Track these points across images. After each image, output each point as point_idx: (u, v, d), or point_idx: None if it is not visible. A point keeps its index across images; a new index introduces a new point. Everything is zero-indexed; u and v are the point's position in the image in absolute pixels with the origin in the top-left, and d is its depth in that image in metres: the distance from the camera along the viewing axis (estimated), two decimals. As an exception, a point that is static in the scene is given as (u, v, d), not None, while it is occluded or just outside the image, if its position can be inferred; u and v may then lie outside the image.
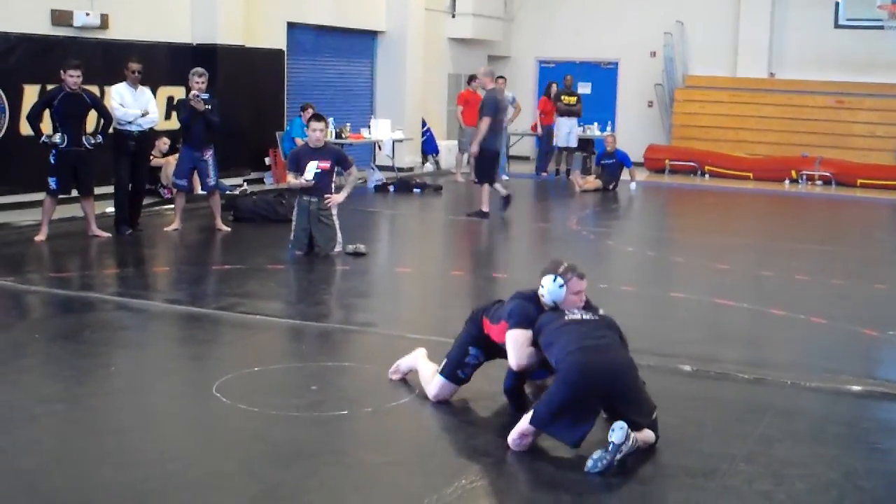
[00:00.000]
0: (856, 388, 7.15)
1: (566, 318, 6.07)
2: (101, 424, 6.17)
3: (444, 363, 6.64)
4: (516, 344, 6.19)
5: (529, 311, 6.25)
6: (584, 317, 6.11)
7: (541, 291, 6.29)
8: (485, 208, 15.43)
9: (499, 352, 6.48)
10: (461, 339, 6.68)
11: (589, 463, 5.47)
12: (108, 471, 5.35)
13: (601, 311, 6.32)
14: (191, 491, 5.14)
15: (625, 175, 20.11)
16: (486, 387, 6.66)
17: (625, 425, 5.50)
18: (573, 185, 19.91)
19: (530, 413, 5.71)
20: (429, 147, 22.49)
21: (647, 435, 5.75)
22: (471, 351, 6.57)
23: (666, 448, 5.88)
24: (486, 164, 15.49)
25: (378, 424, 6.39)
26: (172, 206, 13.89)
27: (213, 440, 5.96)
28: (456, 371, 6.58)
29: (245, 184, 17.37)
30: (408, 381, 6.96)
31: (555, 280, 6.22)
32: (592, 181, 19.72)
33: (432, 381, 6.66)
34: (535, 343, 6.16)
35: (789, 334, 9.01)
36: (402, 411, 6.53)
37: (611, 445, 5.46)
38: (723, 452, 5.80)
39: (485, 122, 15.23)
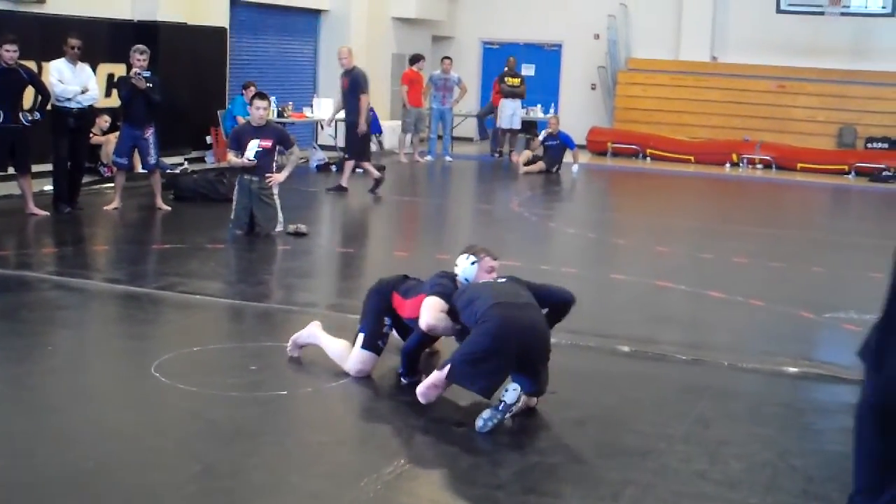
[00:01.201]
0: (792, 369, 7.25)
1: (480, 282, 6.38)
2: (39, 404, 6.11)
3: (362, 336, 6.71)
4: (431, 307, 6.36)
5: (448, 286, 6.51)
6: (499, 280, 6.38)
7: (456, 270, 6.62)
8: (344, 183, 15.79)
9: (404, 329, 6.72)
10: (372, 308, 6.79)
11: (479, 423, 5.71)
12: (45, 450, 5.30)
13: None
14: (129, 470, 5.11)
15: (567, 157, 20.16)
16: (429, 366, 6.67)
17: (518, 387, 5.76)
18: (516, 168, 19.94)
19: (446, 367, 5.88)
20: (372, 127, 22.37)
21: (530, 399, 6.03)
22: (386, 321, 6.75)
23: (604, 427, 5.94)
24: (359, 142, 15.93)
25: (317, 404, 6.39)
26: (112, 184, 13.74)
27: (151, 419, 5.92)
28: (377, 342, 6.70)
29: (186, 162, 17.22)
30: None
31: (467, 258, 6.60)
32: (536, 163, 19.76)
33: (351, 355, 6.71)
34: (450, 314, 6.33)
35: (727, 316, 9.10)
36: (341, 391, 6.52)
37: (501, 405, 5.72)
38: (660, 432, 5.86)
39: (364, 101, 15.71)
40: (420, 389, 6.03)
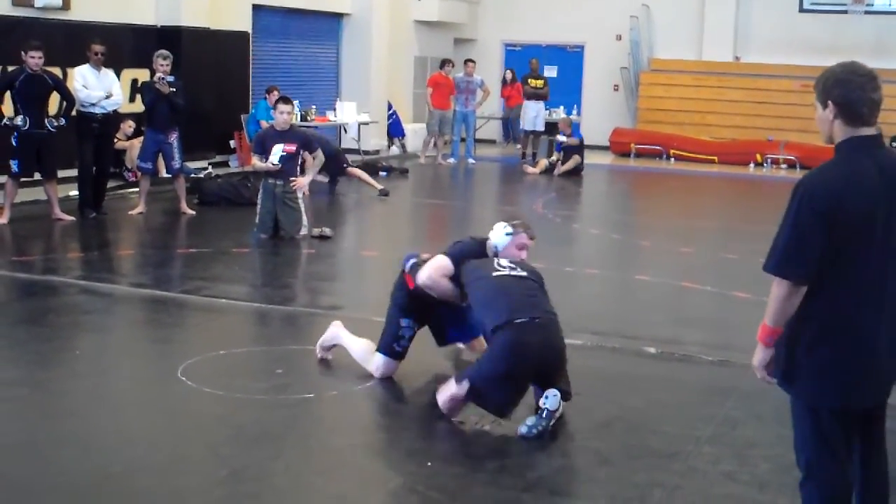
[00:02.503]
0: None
1: (495, 271, 6.19)
2: (65, 408, 6.13)
3: (380, 341, 6.73)
4: (435, 267, 6.42)
5: (469, 247, 6.57)
6: (513, 272, 6.19)
7: (490, 234, 6.58)
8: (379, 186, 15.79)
9: (429, 313, 6.66)
10: (390, 313, 6.78)
11: (523, 429, 5.66)
12: (71, 454, 5.33)
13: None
14: (155, 474, 5.13)
15: (591, 159, 20.09)
16: (452, 371, 6.68)
17: (558, 393, 5.72)
18: (524, 171, 19.81)
19: (464, 382, 5.79)
20: (395, 130, 22.44)
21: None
22: (402, 323, 6.67)
23: (630, 429, 5.92)
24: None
25: (343, 407, 6.40)
26: (137, 189, 13.80)
27: (177, 424, 5.94)
28: (392, 345, 6.68)
29: (210, 167, 17.25)
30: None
31: (504, 227, 6.54)
32: (539, 163, 19.79)
33: (372, 358, 6.73)
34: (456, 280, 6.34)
35: (753, 317, 8.93)
36: (367, 394, 6.52)
37: (545, 412, 5.69)
38: (687, 434, 5.83)
39: None
40: (443, 404, 5.94)
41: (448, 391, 5.91)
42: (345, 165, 15.81)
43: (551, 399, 5.70)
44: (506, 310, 5.91)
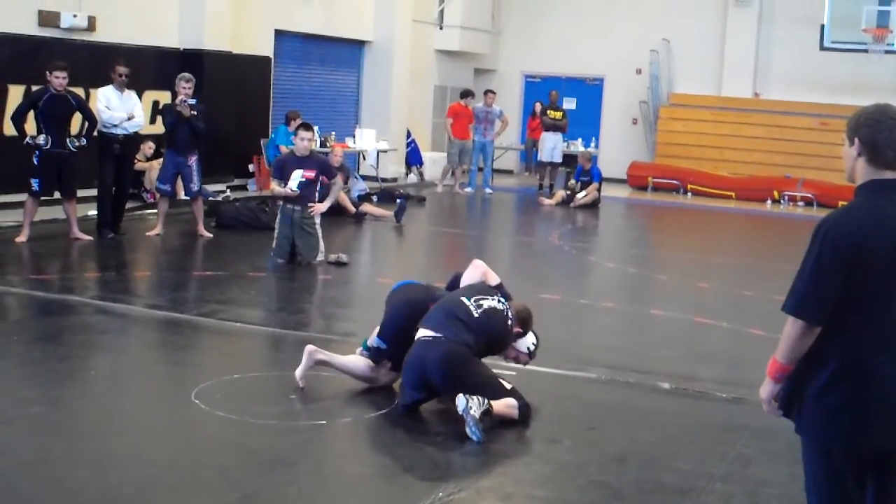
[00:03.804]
0: (833, 409, 7.16)
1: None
2: (79, 428, 6.15)
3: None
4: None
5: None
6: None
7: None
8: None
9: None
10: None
11: (473, 437, 6.08)
12: (84, 474, 5.34)
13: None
14: (167, 497, 5.13)
15: (608, 191, 20.11)
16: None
17: (460, 395, 6.19)
18: (540, 203, 19.84)
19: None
20: (413, 158, 22.51)
21: (507, 401, 6.40)
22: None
23: (643, 465, 5.90)
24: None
25: (356, 435, 6.40)
26: (155, 210, 13.85)
27: (190, 447, 5.95)
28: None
29: (228, 190, 17.33)
30: (391, 389, 6.95)
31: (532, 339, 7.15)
32: (556, 195, 19.84)
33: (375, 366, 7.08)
34: None
35: (768, 354, 8.95)
36: (381, 422, 6.53)
37: (464, 415, 6.12)
38: (700, 471, 5.82)
39: None
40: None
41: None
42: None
43: (459, 403, 6.15)
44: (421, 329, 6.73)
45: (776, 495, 5.51)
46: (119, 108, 12.75)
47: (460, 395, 6.18)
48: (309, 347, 7.09)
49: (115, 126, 12.69)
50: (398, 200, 16.45)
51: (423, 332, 6.61)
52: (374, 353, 7.03)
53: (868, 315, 3.72)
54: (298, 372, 6.97)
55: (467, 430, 6.08)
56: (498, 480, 5.59)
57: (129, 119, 12.82)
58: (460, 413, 6.13)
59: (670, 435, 6.50)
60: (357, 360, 7.10)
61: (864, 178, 3.82)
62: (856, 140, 3.82)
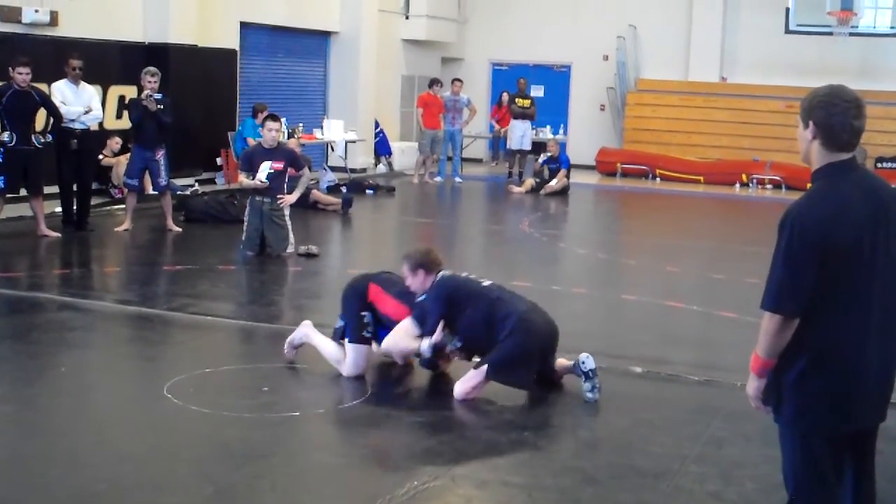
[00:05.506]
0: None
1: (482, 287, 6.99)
2: (51, 425, 6.12)
3: (347, 335, 7.03)
4: (399, 334, 6.85)
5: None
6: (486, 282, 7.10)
7: None
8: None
9: (380, 322, 7.04)
10: (350, 311, 7.09)
11: (589, 395, 6.63)
12: (57, 472, 5.31)
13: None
14: (142, 492, 5.11)
15: (574, 177, 20.14)
16: (441, 386, 6.68)
17: (586, 354, 6.68)
18: (509, 192, 19.83)
19: (483, 368, 6.56)
20: (382, 148, 22.47)
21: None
22: (365, 316, 7.03)
23: (617, 449, 5.93)
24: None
25: (330, 425, 6.40)
26: (123, 206, 13.75)
27: (164, 441, 5.92)
28: (362, 334, 6.99)
29: (196, 184, 17.24)
30: (366, 379, 6.95)
31: None
32: (525, 183, 19.87)
33: (346, 355, 7.00)
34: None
35: (739, 337, 9.04)
36: (354, 412, 6.52)
37: (591, 372, 6.65)
38: (674, 453, 5.84)
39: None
40: (462, 390, 6.58)
41: (469, 382, 6.58)
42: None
43: (588, 361, 6.66)
44: (519, 304, 6.82)
45: (750, 476, 5.54)
46: (74, 102, 12.65)
47: (587, 354, 6.69)
48: (306, 322, 7.50)
49: (73, 121, 12.58)
50: (343, 190, 16.63)
51: (511, 307, 6.75)
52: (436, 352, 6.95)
53: (842, 302, 3.73)
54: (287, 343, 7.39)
55: (589, 393, 6.63)
56: (473, 468, 5.59)
57: (87, 112, 12.73)
58: (586, 371, 6.65)
59: (643, 419, 6.52)
60: (337, 348, 7.13)
61: (820, 160, 3.83)
62: (810, 123, 3.82)
